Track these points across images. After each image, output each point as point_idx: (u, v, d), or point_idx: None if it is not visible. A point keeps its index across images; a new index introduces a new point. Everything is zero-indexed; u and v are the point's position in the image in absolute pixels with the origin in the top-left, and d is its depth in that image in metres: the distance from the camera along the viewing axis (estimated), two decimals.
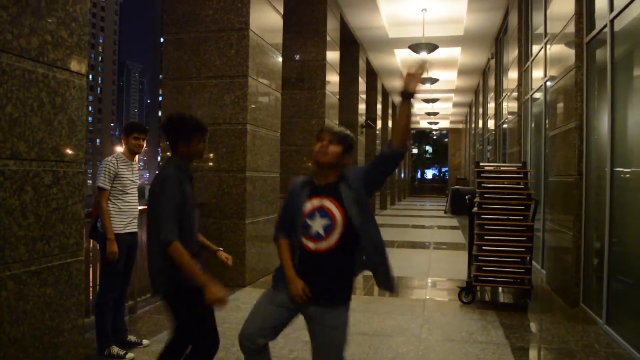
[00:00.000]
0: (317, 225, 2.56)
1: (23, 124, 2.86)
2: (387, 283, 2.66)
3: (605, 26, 4.91)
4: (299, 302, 2.54)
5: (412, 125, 36.39)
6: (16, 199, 2.82)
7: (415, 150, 52.17)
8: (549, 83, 7.05)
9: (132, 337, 4.17)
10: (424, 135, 52.55)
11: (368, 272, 2.67)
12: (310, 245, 2.56)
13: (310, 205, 2.59)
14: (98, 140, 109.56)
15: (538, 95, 8.13)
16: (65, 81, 3.16)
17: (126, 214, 4.08)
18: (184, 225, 2.66)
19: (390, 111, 22.16)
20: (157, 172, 2.80)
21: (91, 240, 4.36)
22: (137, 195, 4.23)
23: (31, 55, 2.91)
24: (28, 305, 2.91)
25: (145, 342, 4.20)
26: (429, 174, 58.18)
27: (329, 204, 2.56)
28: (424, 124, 34.19)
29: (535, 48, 8.43)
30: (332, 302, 2.57)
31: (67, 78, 3.17)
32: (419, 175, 54.62)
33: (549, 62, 7.05)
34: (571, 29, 5.69)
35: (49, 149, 3.04)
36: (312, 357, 2.64)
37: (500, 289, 6.45)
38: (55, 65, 3.07)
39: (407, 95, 2.48)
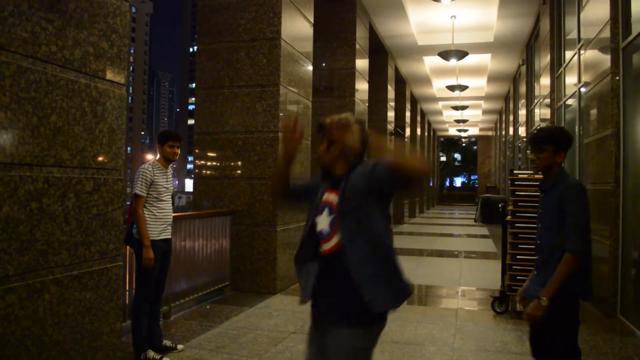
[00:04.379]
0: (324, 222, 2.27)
1: (66, 132, 2.95)
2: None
3: None
4: None
5: (442, 133, 36.12)
6: (59, 205, 2.91)
7: (443, 158, 51.72)
8: (583, 89, 6.94)
9: (167, 342, 4.23)
10: (452, 143, 52.05)
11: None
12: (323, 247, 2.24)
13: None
14: (129, 149, 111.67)
15: (571, 101, 8.00)
16: (106, 91, 3.25)
17: (161, 221, 4.15)
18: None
19: (418, 118, 22.05)
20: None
21: (127, 247, 4.44)
22: (171, 202, 4.29)
23: (74, 66, 3.01)
24: (69, 308, 2.99)
25: (179, 347, 4.26)
26: (458, 182, 57.47)
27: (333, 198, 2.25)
28: (452, 131, 33.88)
29: (569, 54, 8.30)
30: (336, 319, 2.13)
31: (107, 88, 3.26)
32: (447, 184, 54.04)
33: (583, 68, 6.93)
34: (606, 34, 5.60)
35: (90, 156, 3.13)
36: None
37: None
38: (96, 75, 3.17)
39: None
